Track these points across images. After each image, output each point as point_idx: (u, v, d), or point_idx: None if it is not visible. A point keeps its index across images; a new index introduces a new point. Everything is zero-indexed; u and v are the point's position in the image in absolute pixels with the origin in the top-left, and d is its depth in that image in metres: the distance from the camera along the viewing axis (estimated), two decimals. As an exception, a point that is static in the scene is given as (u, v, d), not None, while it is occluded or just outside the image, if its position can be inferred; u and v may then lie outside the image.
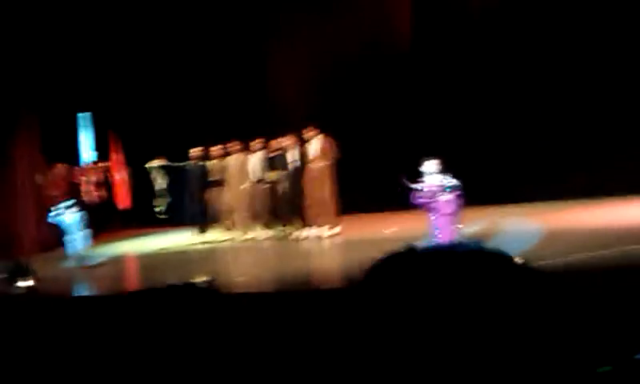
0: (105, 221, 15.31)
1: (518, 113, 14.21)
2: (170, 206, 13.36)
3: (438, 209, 8.93)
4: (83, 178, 14.84)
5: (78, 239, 11.54)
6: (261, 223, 13.03)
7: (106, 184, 15.25)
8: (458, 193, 8.94)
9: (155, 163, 13.36)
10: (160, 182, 13.29)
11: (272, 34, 15.83)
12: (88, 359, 5.92)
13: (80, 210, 11.82)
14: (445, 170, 9.08)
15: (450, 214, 8.93)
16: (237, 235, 13.12)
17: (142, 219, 15.35)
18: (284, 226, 12.77)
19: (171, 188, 13.42)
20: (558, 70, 13.91)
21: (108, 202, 15.12)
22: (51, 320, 7.26)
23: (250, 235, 13.02)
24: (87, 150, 16.18)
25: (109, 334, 6.43)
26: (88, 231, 11.68)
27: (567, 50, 13.83)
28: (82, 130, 16.26)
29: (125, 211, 15.44)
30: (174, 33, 15.84)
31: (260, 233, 13.00)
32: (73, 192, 14.55)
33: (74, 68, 15.21)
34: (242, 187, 13.00)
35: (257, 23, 15.81)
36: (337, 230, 12.28)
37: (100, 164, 15.36)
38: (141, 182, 15.27)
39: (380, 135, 14.74)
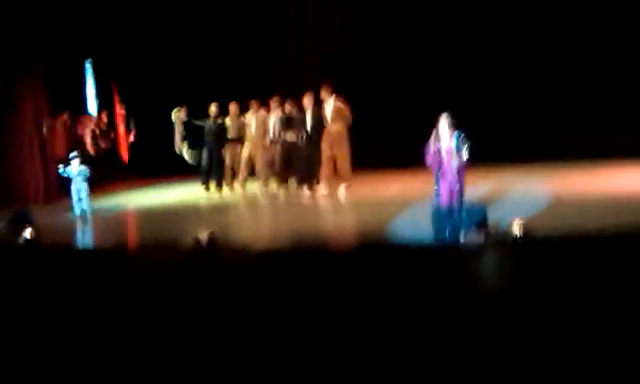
0: (108, 172, 15.29)
1: (532, 73, 14.07)
2: (195, 155, 13.39)
3: (444, 172, 8.79)
4: (88, 129, 14.86)
5: (82, 190, 11.52)
6: (277, 180, 13.20)
7: (109, 135, 15.24)
8: (467, 155, 8.72)
9: (177, 112, 13.28)
10: (182, 132, 13.28)
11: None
12: (82, 311, 5.89)
13: (84, 161, 11.78)
14: (458, 126, 8.83)
15: (454, 179, 8.76)
16: (253, 191, 13.25)
17: (144, 172, 15.32)
18: (299, 183, 12.91)
19: (190, 141, 13.45)
20: (574, 34, 13.76)
21: (111, 154, 15.12)
22: (48, 270, 7.26)
23: (265, 191, 13.16)
24: (92, 99, 16.07)
25: (106, 287, 6.37)
26: (90, 183, 11.64)
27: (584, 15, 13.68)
28: (88, 78, 16.13)
29: (127, 163, 15.41)
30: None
31: (275, 189, 13.14)
32: (77, 142, 14.57)
33: (79, 15, 15.03)
34: (261, 144, 13.17)
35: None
36: (344, 189, 12.45)
37: (104, 115, 15.33)
38: (143, 134, 15.27)
39: (394, 92, 14.68)
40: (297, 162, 12.93)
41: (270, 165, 13.26)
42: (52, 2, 13.80)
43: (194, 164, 13.56)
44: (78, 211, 11.52)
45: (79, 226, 11.18)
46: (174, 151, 13.50)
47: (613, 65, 13.68)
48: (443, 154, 8.68)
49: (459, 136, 8.66)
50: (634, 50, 13.56)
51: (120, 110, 15.15)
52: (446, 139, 8.71)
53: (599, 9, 13.71)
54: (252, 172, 13.49)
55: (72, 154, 11.87)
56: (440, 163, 8.71)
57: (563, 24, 13.93)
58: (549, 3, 14.00)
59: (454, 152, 8.68)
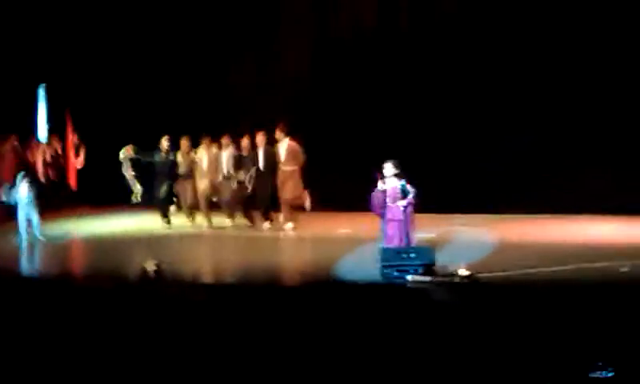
0: (57, 199, 15.06)
1: (483, 123, 14.30)
2: (143, 192, 13.31)
3: (390, 214, 8.93)
4: (38, 155, 14.63)
5: (32, 214, 11.32)
6: (226, 215, 13.22)
7: (59, 162, 15.01)
8: (413, 200, 8.93)
9: (126, 152, 13.18)
10: (131, 171, 13.19)
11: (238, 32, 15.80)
12: (25, 339, 5.78)
13: (32, 187, 11.58)
14: (403, 174, 9.06)
15: (401, 221, 8.91)
16: (199, 224, 13.19)
17: (93, 199, 15.13)
18: (248, 219, 13.02)
19: (140, 175, 13.31)
20: (528, 84, 14.02)
21: (60, 181, 14.89)
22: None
23: (209, 225, 13.12)
24: (42, 125, 15.84)
25: (51, 315, 6.26)
26: (39, 209, 11.46)
27: (537, 65, 13.99)
28: (40, 104, 15.92)
29: (76, 190, 15.19)
30: (144, 19, 15.66)
31: (223, 223, 13.13)
32: (26, 168, 14.33)
33: (35, 41, 14.92)
34: (210, 181, 13.14)
35: (225, 17, 15.75)
36: (291, 226, 12.56)
37: (54, 141, 15.12)
38: (93, 162, 15.10)
39: (344, 135, 14.76)
40: (247, 199, 12.95)
41: (221, 201, 13.23)
42: (9, 25, 13.67)
43: (138, 201, 13.45)
44: (26, 237, 11.30)
45: (25, 252, 10.97)
46: (124, 181, 13.36)
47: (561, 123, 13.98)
48: (388, 200, 8.86)
49: (405, 183, 8.94)
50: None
51: (72, 137, 14.96)
52: (391, 184, 8.94)
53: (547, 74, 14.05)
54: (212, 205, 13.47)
55: (20, 177, 11.61)
56: (385, 206, 8.89)
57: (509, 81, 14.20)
58: (495, 60, 14.24)
59: (400, 196, 8.88)
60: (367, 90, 14.98)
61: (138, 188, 13.10)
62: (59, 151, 15.05)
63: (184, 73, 15.66)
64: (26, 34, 14.54)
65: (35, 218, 11.35)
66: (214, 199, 13.28)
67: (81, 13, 15.58)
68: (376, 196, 8.96)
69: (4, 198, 11.66)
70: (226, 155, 13.14)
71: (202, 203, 13.21)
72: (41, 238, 11.38)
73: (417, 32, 14.96)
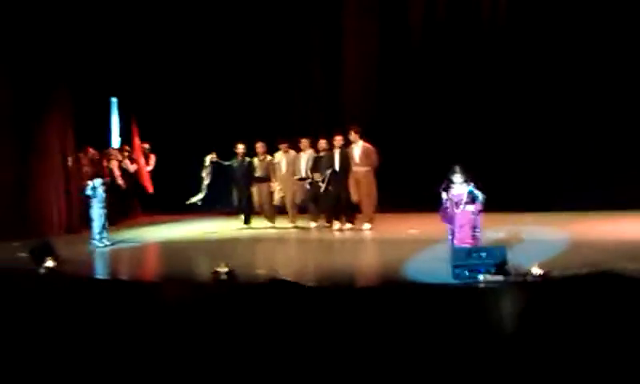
0: (129, 206, 15.44)
1: (547, 123, 14.13)
2: (204, 198, 13.63)
3: (460, 220, 8.94)
4: (113, 163, 15.03)
5: (102, 222, 11.62)
6: (309, 217, 13.61)
7: (129, 170, 15.39)
8: (481, 206, 8.94)
9: (211, 157, 13.61)
10: (208, 176, 13.56)
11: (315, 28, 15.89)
12: (101, 341, 5.94)
13: (106, 194, 11.89)
14: (471, 178, 9.06)
15: (470, 225, 8.91)
16: (277, 226, 13.62)
17: (165, 206, 15.46)
18: (327, 221, 13.31)
19: (217, 181, 13.76)
20: (589, 81, 13.82)
21: (132, 188, 15.26)
22: (68, 300, 7.32)
23: (290, 226, 13.55)
24: (116, 134, 16.32)
25: (123, 318, 6.43)
26: (107, 215, 11.77)
27: (594, 63, 13.76)
28: (113, 114, 16.40)
29: (148, 197, 15.53)
30: (217, 23, 15.92)
31: (303, 225, 13.50)
32: (101, 176, 14.73)
33: (105, 53, 15.35)
34: (287, 184, 13.58)
35: (299, 15, 15.89)
36: (369, 226, 12.87)
37: (126, 150, 15.52)
38: (164, 169, 15.45)
39: (415, 137, 14.91)
40: (324, 201, 13.23)
41: (299, 202, 13.68)
42: (81, 42, 14.12)
43: (200, 204, 13.73)
44: (99, 242, 11.60)
45: (100, 257, 11.26)
46: (198, 185, 13.70)
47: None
48: (456, 206, 8.92)
49: (473, 188, 8.96)
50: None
51: (140, 144, 15.34)
52: (458, 190, 8.99)
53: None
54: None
55: (94, 186, 11.92)
56: (453, 212, 8.95)
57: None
58: (564, 61, 14.03)
59: (468, 200, 8.90)
60: (434, 89, 14.94)
61: (201, 194, 13.39)
62: (131, 158, 15.44)
63: (253, 78, 15.88)
64: (97, 50, 15.01)
65: (99, 224, 11.61)
66: (297, 202, 13.65)
67: (152, 25, 15.95)
68: (444, 209, 9.07)
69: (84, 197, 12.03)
70: (305, 157, 13.42)
71: (288, 206, 13.66)
72: (105, 244, 11.67)
73: (484, 31, 14.85)
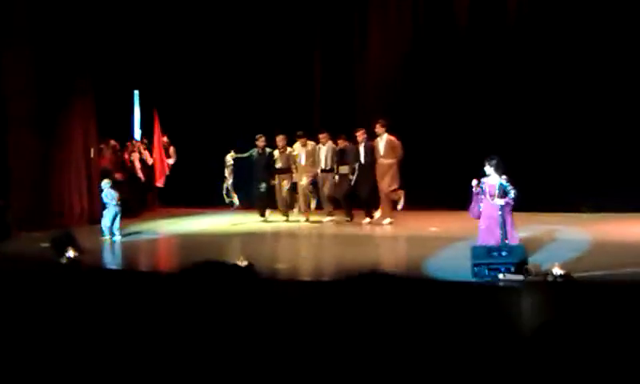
0: (148, 198, 15.52)
1: (575, 123, 13.96)
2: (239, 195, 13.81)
3: (486, 211, 8.80)
4: (135, 155, 15.12)
5: (112, 217, 11.67)
6: (326, 210, 13.58)
7: (146, 162, 15.47)
8: (512, 201, 8.77)
9: (230, 156, 13.69)
10: (230, 176, 13.68)
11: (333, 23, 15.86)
12: (122, 331, 5.96)
13: (115, 192, 11.91)
14: (505, 171, 8.90)
15: (497, 219, 8.75)
16: (299, 220, 13.57)
17: (184, 199, 15.52)
18: (347, 213, 13.37)
19: (237, 174, 13.85)
20: (617, 83, 13.62)
21: (151, 180, 15.34)
22: (88, 290, 7.35)
23: (310, 220, 13.49)
24: (137, 127, 16.42)
25: (141, 308, 6.45)
26: (120, 211, 11.80)
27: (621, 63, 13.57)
28: (135, 107, 16.50)
29: (165, 190, 15.59)
30: (239, 17, 15.94)
31: (323, 219, 13.45)
32: (122, 168, 14.83)
33: (128, 46, 15.43)
34: (310, 175, 13.53)
35: (315, 16, 15.85)
36: (389, 221, 12.82)
37: (144, 142, 15.60)
38: (184, 162, 15.51)
39: (441, 133, 14.76)
40: (347, 193, 13.27)
41: (316, 195, 13.70)
42: (105, 34, 14.22)
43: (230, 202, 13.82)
44: (109, 235, 11.65)
45: (119, 248, 11.31)
46: (221, 183, 13.77)
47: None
48: (487, 197, 8.72)
49: (506, 181, 8.76)
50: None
51: (161, 137, 15.38)
52: (490, 181, 8.79)
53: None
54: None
55: (105, 183, 11.97)
56: (483, 204, 8.77)
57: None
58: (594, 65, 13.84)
59: (499, 194, 8.71)
60: (461, 85, 14.79)
61: (234, 196, 13.63)
62: (150, 149, 15.50)
63: (273, 72, 15.86)
64: (121, 42, 15.10)
65: (110, 217, 11.66)
66: (314, 196, 13.64)
67: (176, 19, 16.01)
68: (476, 199, 8.86)
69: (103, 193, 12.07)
70: (325, 149, 13.41)
71: (302, 199, 13.59)
72: (125, 235, 11.71)
73: (516, 27, 14.67)
